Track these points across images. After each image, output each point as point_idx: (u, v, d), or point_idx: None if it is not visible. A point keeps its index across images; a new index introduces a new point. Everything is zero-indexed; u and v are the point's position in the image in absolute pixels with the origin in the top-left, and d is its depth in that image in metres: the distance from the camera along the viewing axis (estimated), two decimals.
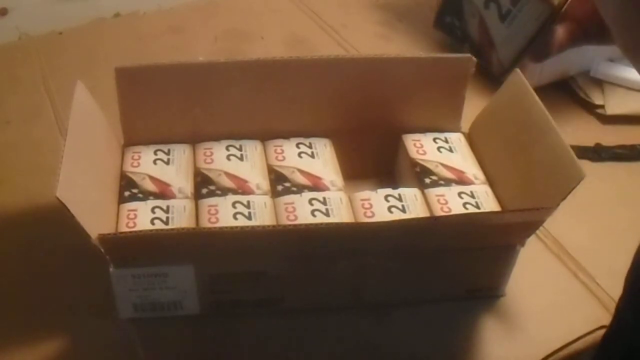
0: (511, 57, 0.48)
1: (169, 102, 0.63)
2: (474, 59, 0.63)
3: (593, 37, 0.49)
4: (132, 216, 0.57)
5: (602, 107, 0.81)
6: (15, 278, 0.60)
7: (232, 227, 0.55)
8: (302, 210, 0.59)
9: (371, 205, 0.60)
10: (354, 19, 0.97)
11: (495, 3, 0.48)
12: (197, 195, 0.60)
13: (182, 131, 0.64)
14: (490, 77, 0.75)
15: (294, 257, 0.55)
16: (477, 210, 0.60)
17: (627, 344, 0.47)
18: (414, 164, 0.64)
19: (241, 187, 0.60)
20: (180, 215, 0.58)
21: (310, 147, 0.65)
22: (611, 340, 0.51)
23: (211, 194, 0.60)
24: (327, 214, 0.58)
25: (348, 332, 0.58)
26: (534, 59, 0.50)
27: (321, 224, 0.56)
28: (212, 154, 0.63)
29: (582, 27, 0.49)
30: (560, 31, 0.49)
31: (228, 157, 0.63)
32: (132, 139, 0.64)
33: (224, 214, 0.58)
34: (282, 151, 0.64)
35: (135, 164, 0.62)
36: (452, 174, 0.63)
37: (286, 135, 0.66)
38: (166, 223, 0.57)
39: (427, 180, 0.62)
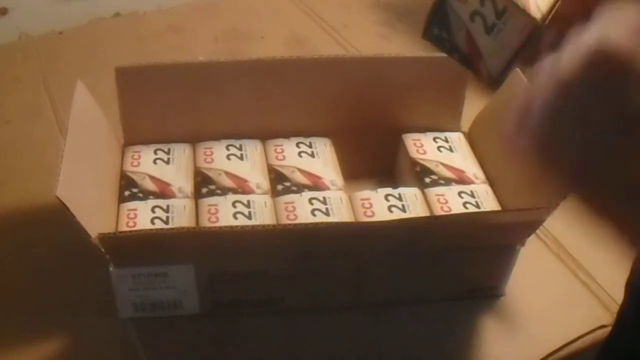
0: (500, 67, 0.49)
1: (169, 101, 0.63)
2: None
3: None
4: (132, 215, 0.57)
5: None
6: (15, 277, 0.60)
7: (232, 227, 0.55)
8: (302, 210, 0.59)
9: (371, 205, 0.60)
10: (354, 19, 0.97)
11: (481, 16, 0.49)
12: (197, 195, 0.60)
13: (182, 130, 0.64)
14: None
15: (294, 256, 0.55)
16: (477, 210, 0.60)
17: (629, 349, 0.47)
18: (414, 163, 0.64)
19: (241, 187, 0.60)
20: (180, 214, 0.58)
21: (310, 146, 0.65)
22: (613, 343, 0.51)
23: (211, 193, 0.60)
24: (327, 214, 0.58)
25: (348, 331, 0.58)
26: (525, 63, 0.50)
27: (321, 223, 0.56)
28: (212, 153, 0.63)
29: (571, 27, 0.49)
30: (549, 33, 0.49)
31: (228, 157, 0.63)
32: (132, 138, 0.64)
33: (224, 213, 0.58)
34: (282, 150, 0.64)
35: (135, 163, 0.62)
36: (452, 174, 0.63)
37: (286, 135, 0.66)
38: (166, 222, 0.57)
39: (427, 180, 0.62)
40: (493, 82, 0.49)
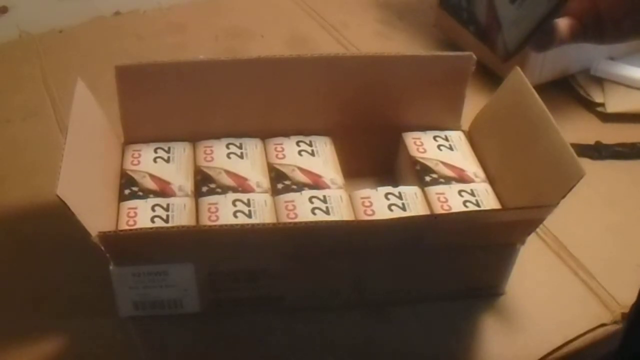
0: (517, 40, 0.48)
1: (169, 100, 0.63)
2: (474, 57, 0.63)
3: (591, 35, 0.50)
4: (132, 214, 0.57)
5: (603, 105, 0.81)
6: (14, 276, 0.60)
7: (232, 225, 0.55)
8: (302, 209, 0.59)
9: (371, 204, 0.60)
10: (355, 18, 0.97)
11: None
12: (198, 194, 0.60)
13: (182, 129, 0.64)
14: (490, 72, 0.75)
15: (294, 255, 0.55)
16: (477, 209, 0.60)
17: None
18: (414, 162, 0.64)
19: (241, 185, 0.60)
20: (180, 213, 0.58)
21: (310, 145, 0.65)
22: (628, 344, 0.51)
23: (211, 192, 0.60)
24: (327, 212, 0.58)
25: (348, 330, 0.58)
26: (535, 48, 0.50)
27: (321, 222, 0.56)
28: (212, 152, 0.63)
29: (581, 24, 0.49)
30: (562, 25, 0.49)
31: (228, 155, 0.63)
32: (133, 137, 0.64)
33: (224, 212, 0.58)
34: (283, 149, 0.64)
35: (136, 162, 0.62)
36: (452, 172, 0.63)
37: (286, 133, 0.66)
38: (166, 221, 0.57)
39: (428, 179, 0.62)
40: (508, 55, 0.49)
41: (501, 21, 0.48)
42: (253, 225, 0.55)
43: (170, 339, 0.56)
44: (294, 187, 0.61)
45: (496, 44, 0.49)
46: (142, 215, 0.57)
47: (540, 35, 0.49)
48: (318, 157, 0.64)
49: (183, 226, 0.56)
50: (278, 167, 0.63)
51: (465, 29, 0.50)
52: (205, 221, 0.57)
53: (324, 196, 0.60)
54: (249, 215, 0.58)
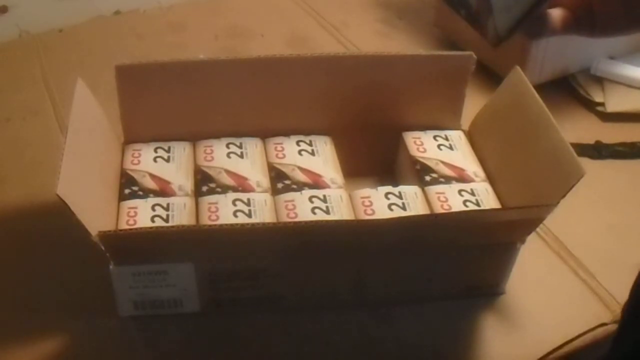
0: (509, 25, 0.48)
1: (169, 99, 0.63)
2: (474, 56, 0.63)
3: (583, 27, 0.50)
4: (132, 214, 0.57)
5: (603, 104, 0.81)
6: (15, 276, 0.60)
7: (232, 225, 0.55)
8: (302, 208, 0.59)
9: (371, 203, 0.60)
10: (355, 17, 0.97)
11: None
12: (198, 193, 0.60)
13: (182, 129, 0.64)
14: (490, 72, 0.75)
15: (294, 254, 0.55)
16: (477, 208, 0.60)
17: (634, 349, 0.47)
18: (414, 161, 0.64)
19: (241, 185, 0.60)
20: (180, 212, 0.58)
21: (310, 144, 0.65)
22: (619, 343, 0.51)
23: (211, 191, 0.60)
24: (327, 212, 0.58)
25: (348, 329, 0.58)
26: (527, 35, 0.50)
27: (321, 221, 0.56)
28: (212, 151, 0.63)
29: (574, 15, 0.49)
30: (555, 15, 0.49)
31: (228, 155, 0.63)
32: (133, 136, 0.64)
33: (224, 211, 0.58)
34: (283, 149, 0.64)
35: (136, 161, 0.62)
36: (452, 172, 0.63)
37: (286, 133, 0.66)
38: (166, 220, 0.57)
39: (428, 178, 0.62)
40: (498, 40, 0.49)
41: (492, 5, 0.48)
42: (253, 225, 0.55)
43: (170, 339, 0.56)
44: (294, 186, 0.61)
45: (487, 29, 0.49)
46: (142, 214, 0.57)
47: (532, 23, 0.49)
48: (318, 157, 0.64)
49: (183, 226, 0.56)
50: (278, 166, 0.63)
51: (456, 13, 0.50)
52: (205, 221, 0.57)
53: (324, 196, 0.60)
54: (249, 215, 0.58)
